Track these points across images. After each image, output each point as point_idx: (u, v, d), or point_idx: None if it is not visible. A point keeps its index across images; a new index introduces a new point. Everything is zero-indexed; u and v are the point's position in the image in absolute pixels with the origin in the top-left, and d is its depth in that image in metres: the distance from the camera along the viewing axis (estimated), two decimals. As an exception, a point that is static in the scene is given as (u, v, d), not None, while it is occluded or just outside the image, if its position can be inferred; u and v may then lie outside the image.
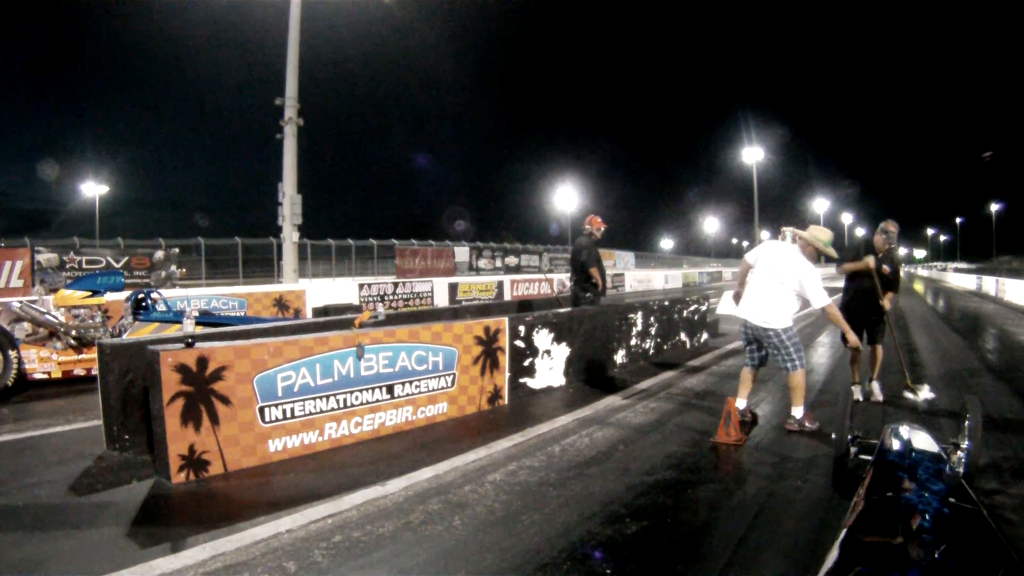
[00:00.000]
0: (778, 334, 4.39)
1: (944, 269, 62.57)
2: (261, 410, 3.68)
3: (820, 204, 57.50)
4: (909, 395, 5.20)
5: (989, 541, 1.79)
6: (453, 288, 17.76)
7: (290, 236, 14.46)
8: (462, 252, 25.85)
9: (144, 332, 6.24)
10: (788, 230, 4.77)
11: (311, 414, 3.88)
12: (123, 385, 4.03)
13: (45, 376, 6.12)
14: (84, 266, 17.68)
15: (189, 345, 3.54)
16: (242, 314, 11.17)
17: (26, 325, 6.43)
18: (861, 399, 5.17)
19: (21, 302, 6.77)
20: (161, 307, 7.09)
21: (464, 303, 16.42)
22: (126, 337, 6.47)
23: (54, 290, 15.72)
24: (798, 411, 4.42)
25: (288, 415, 3.78)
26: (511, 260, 28.54)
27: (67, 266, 17.40)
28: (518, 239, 31.90)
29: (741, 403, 4.61)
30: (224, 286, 15.86)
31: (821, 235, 4.55)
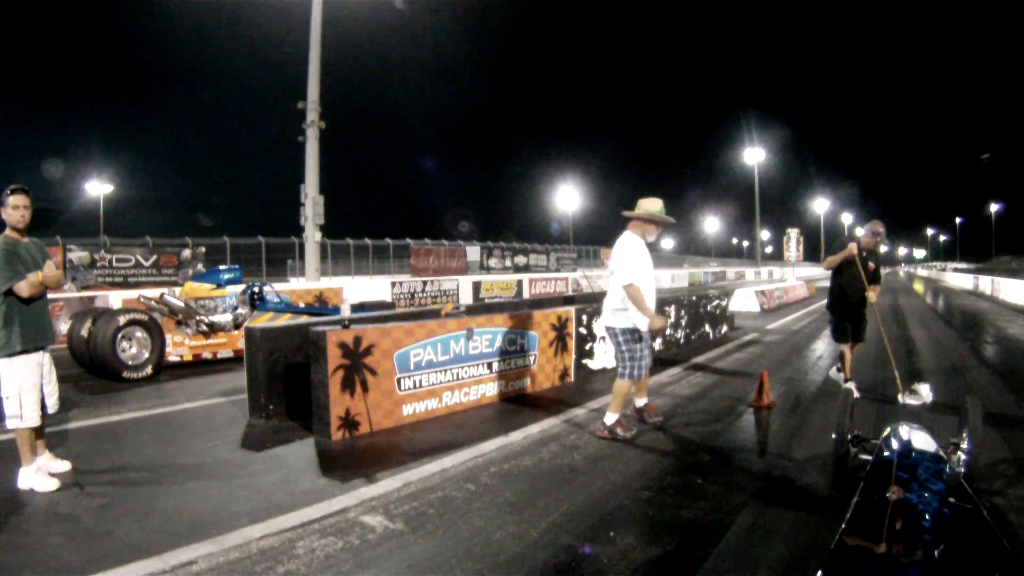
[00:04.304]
0: (616, 333, 4.20)
1: (943, 269, 63.54)
2: (398, 380, 4.62)
3: (820, 204, 58.45)
4: (908, 400, 4.85)
5: (989, 541, 1.76)
6: (477, 286, 18.72)
7: (312, 236, 15.00)
8: (473, 251, 26.88)
9: (262, 320, 7.20)
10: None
11: (433, 385, 4.83)
12: (269, 363, 4.91)
13: (178, 359, 7.07)
14: (114, 264, 18.43)
15: (346, 327, 4.49)
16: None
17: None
18: (857, 395, 5.12)
19: (162, 294, 7.72)
20: (273, 298, 8.07)
21: (487, 300, 17.38)
22: (248, 324, 7.43)
23: (86, 287, 16.62)
24: (610, 418, 4.20)
25: (417, 385, 4.73)
26: (520, 259, 29.59)
27: (98, 264, 18.19)
28: (520, 239, 32.86)
29: (611, 418, 4.23)
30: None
31: (652, 206, 4.27)
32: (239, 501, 3.21)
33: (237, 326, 7.49)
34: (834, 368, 5.92)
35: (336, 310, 7.72)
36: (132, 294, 11.21)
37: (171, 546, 2.68)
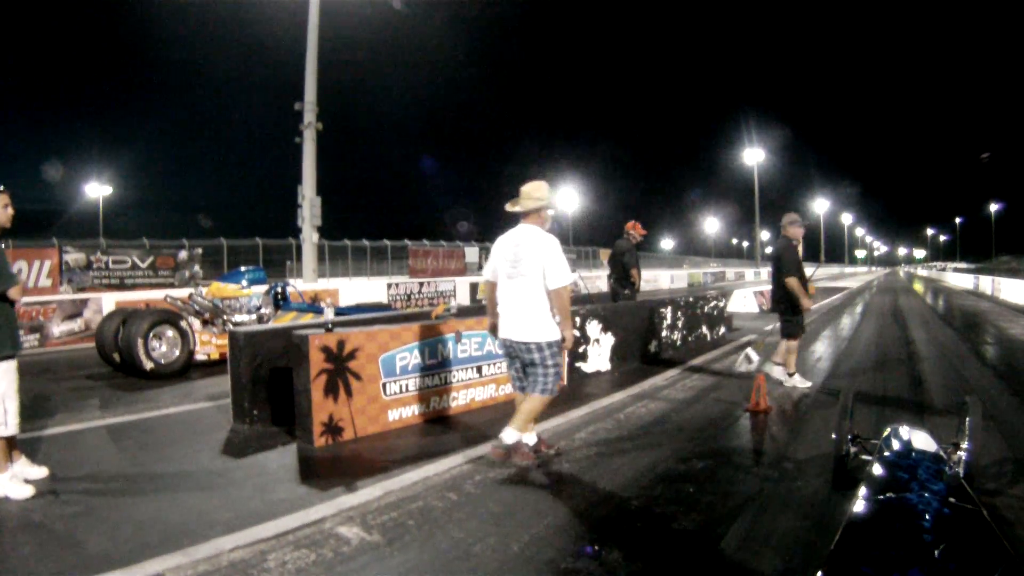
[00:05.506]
0: (540, 348, 3.59)
1: (943, 269, 63.47)
2: (384, 385, 4.51)
3: (820, 204, 58.32)
4: (743, 365, 5.93)
5: (989, 541, 1.77)
6: (474, 287, 18.61)
7: (309, 237, 14.92)
8: (472, 252, 26.72)
9: (285, 320, 7.28)
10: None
11: (421, 389, 4.72)
12: (253, 367, 4.80)
13: (205, 357, 7.12)
14: (110, 266, 18.32)
15: (329, 330, 4.38)
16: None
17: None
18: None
19: (191, 294, 7.80)
20: (296, 299, 8.12)
21: (484, 301, 17.27)
22: (270, 324, 7.40)
23: (82, 289, 16.53)
24: (530, 437, 3.75)
25: (404, 390, 4.62)
26: (520, 260, 29.39)
27: (94, 266, 18.08)
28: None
29: (531, 438, 3.77)
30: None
31: (541, 191, 3.77)
32: (215, 510, 3.11)
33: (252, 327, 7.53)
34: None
35: (358, 310, 7.82)
36: (128, 296, 11.15)
37: (141, 557, 2.59)
